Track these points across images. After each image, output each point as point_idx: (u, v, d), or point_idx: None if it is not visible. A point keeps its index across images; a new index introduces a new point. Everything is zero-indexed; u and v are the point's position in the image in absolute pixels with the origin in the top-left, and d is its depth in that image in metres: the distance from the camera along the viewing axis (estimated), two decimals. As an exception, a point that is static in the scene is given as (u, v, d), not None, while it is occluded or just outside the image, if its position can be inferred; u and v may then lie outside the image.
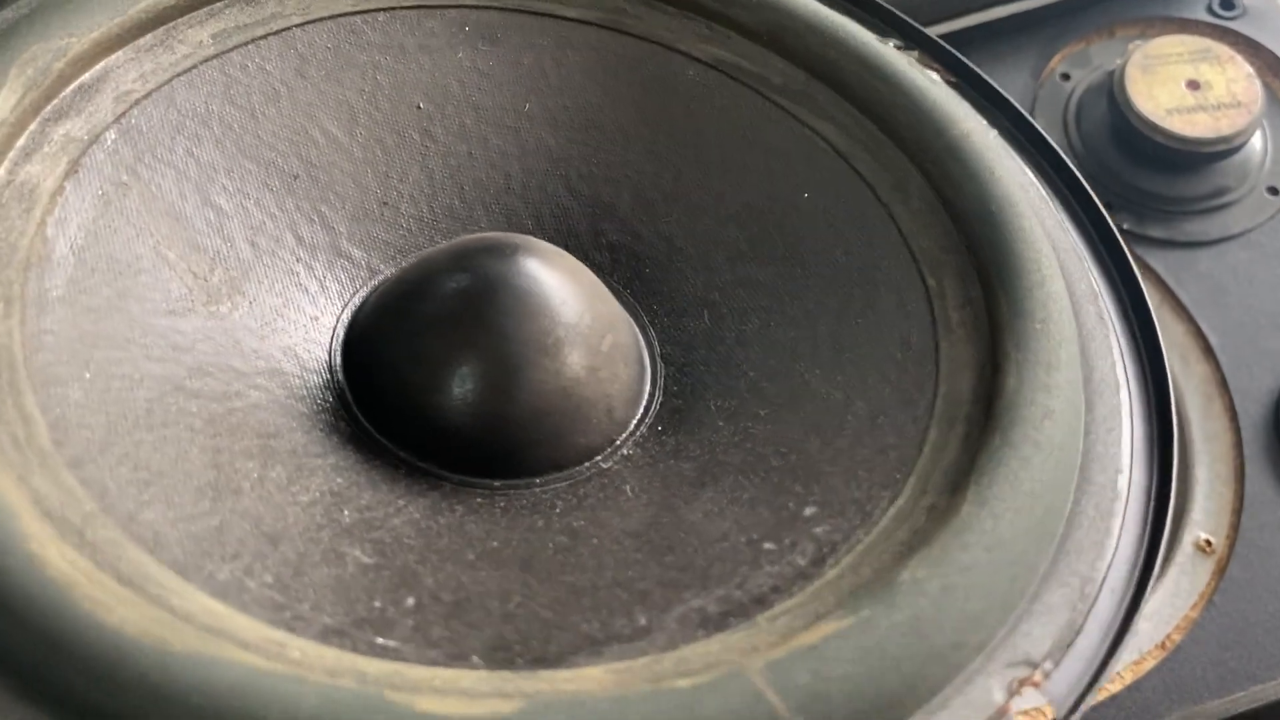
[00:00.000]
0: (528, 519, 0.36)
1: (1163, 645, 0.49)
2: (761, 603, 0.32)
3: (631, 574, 0.34)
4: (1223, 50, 0.63)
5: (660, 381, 0.41)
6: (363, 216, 0.41)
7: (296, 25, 0.41)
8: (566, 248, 0.41)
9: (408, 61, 0.42)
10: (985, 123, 0.43)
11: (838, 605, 0.31)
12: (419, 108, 0.43)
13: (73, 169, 0.36)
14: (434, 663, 0.30)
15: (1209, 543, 0.52)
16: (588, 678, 0.30)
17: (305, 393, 0.38)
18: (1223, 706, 0.47)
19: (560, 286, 0.38)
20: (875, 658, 0.30)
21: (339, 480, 0.36)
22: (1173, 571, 0.51)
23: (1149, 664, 0.49)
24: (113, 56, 0.38)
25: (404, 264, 0.41)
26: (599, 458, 0.39)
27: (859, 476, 0.36)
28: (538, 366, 0.37)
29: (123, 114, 0.38)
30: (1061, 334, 0.36)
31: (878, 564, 0.32)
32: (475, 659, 0.30)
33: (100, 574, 0.28)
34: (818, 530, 0.34)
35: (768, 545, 0.34)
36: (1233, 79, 0.62)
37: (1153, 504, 0.36)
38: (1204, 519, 0.53)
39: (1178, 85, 0.62)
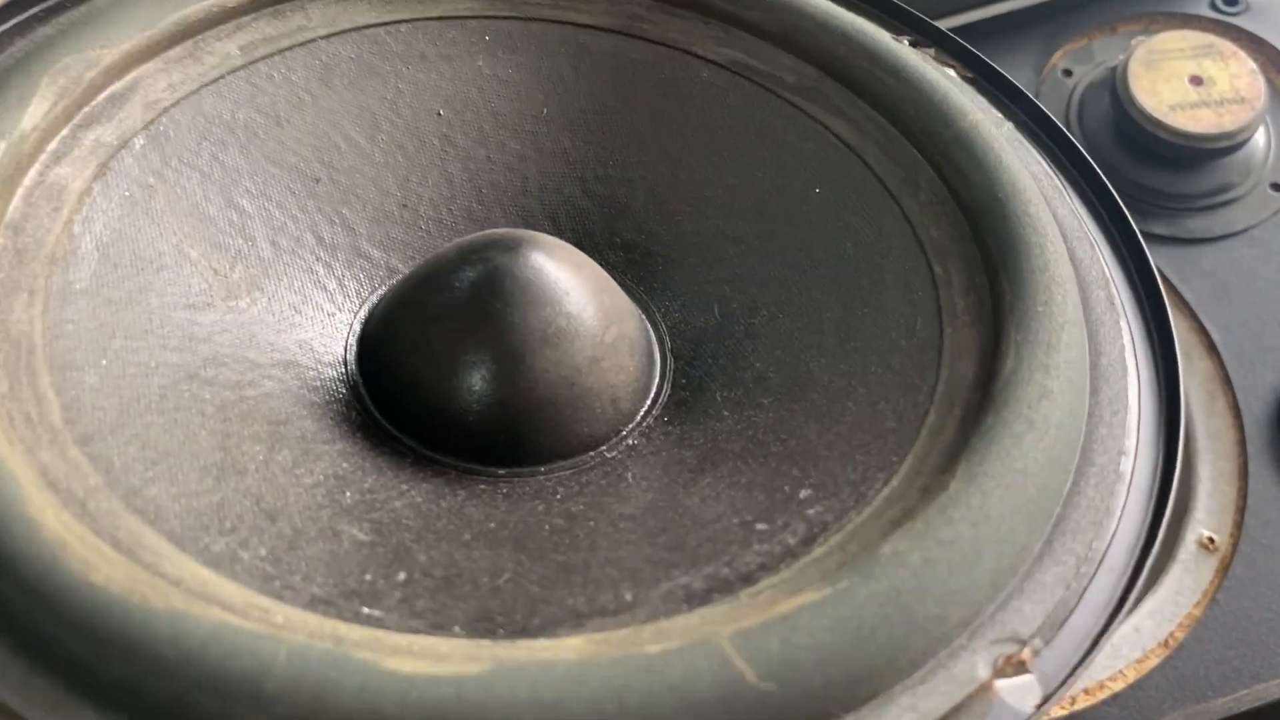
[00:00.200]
0: (528, 504, 0.37)
1: (1166, 643, 0.48)
2: (747, 580, 0.32)
3: (623, 554, 0.34)
4: (1226, 46, 0.62)
5: (669, 375, 0.41)
6: (382, 218, 0.42)
7: (321, 37, 0.43)
8: (581, 247, 0.42)
9: (429, 70, 0.44)
10: (999, 115, 0.43)
11: (821, 579, 0.31)
12: (439, 114, 0.44)
13: (101, 171, 0.38)
14: (415, 631, 0.30)
15: (1212, 540, 0.50)
16: (564, 646, 0.30)
17: (319, 384, 0.39)
18: (1226, 705, 0.46)
19: (563, 278, 0.39)
20: (851, 628, 0.29)
21: (344, 465, 0.37)
22: (1176, 569, 0.50)
23: (1152, 662, 0.47)
24: (143, 67, 0.40)
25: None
26: (604, 447, 0.39)
27: (856, 460, 0.35)
28: (539, 355, 0.38)
29: (151, 121, 0.39)
30: (1064, 316, 0.36)
31: (864, 541, 0.32)
32: (457, 629, 0.31)
33: (95, 539, 0.29)
34: (810, 511, 0.34)
35: (760, 526, 0.34)
36: (1236, 75, 0.61)
37: (1157, 484, 0.35)
38: (1207, 516, 0.51)
39: (1181, 81, 0.61)
